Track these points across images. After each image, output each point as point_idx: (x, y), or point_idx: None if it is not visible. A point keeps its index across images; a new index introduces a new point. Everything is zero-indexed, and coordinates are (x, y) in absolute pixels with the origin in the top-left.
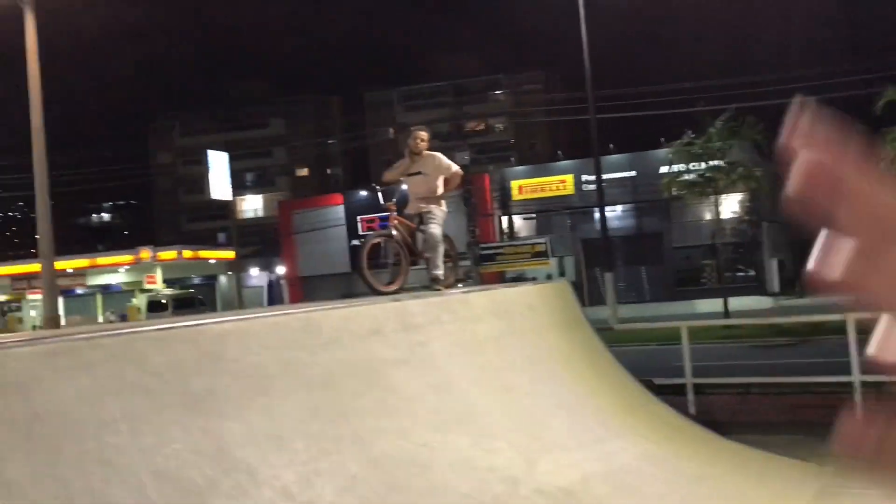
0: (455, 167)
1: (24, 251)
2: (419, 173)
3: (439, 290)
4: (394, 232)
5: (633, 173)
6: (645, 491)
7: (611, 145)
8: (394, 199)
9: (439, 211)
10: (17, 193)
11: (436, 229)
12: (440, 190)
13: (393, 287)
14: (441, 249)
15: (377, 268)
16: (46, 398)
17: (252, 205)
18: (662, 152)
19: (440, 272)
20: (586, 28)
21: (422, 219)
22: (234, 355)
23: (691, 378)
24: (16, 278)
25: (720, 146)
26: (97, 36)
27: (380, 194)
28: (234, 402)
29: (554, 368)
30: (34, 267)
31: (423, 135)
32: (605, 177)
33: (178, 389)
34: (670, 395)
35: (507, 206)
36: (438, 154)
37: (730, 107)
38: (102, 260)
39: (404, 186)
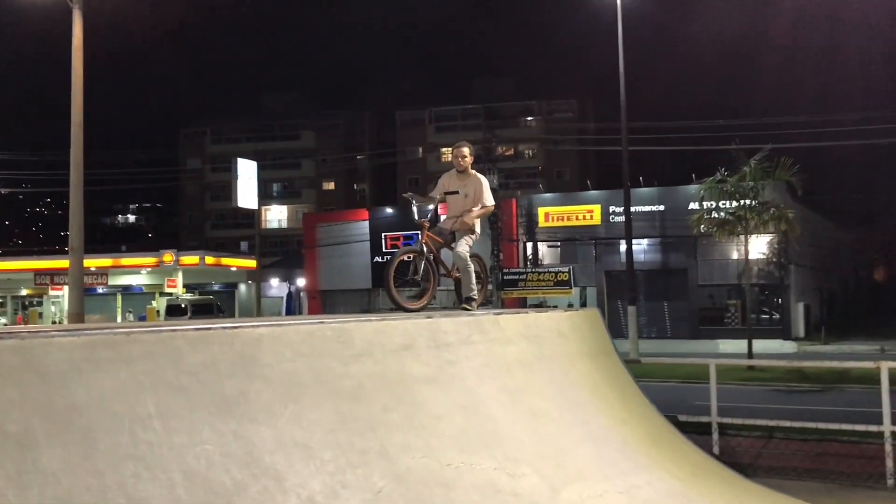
0: (490, 202)
1: (49, 247)
2: (458, 192)
3: (468, 309)
4: (424, 248)
5: (661, 207)
6: None
7: (640, 178)
8: (428, 216)
9: (472, 233)
10: (45, 189)
11: (465, 250)
12: (478, 212)
13: (418, 304)
14: (472, 270)
15: (404, 284)
16: (85, 389)
17: (277, 215)
18: (693, 188)
19: (475, 293)
20: (623, 60)
21: (454, 237)
22: (268, 360)
23: (717, 417)
24: (39, 273)
25: (753, 185)
26: (137, 41)
27: (414, 209)
28: (265, 407)
29: (582, 396)
30: (57, 263)
31: (465, 151)
32: (633, 209)
33: (211, 390)
34: (693, 432)
35: (532, 232)
36: (484, 179)
37: (765, 146)
38: (126, 261)
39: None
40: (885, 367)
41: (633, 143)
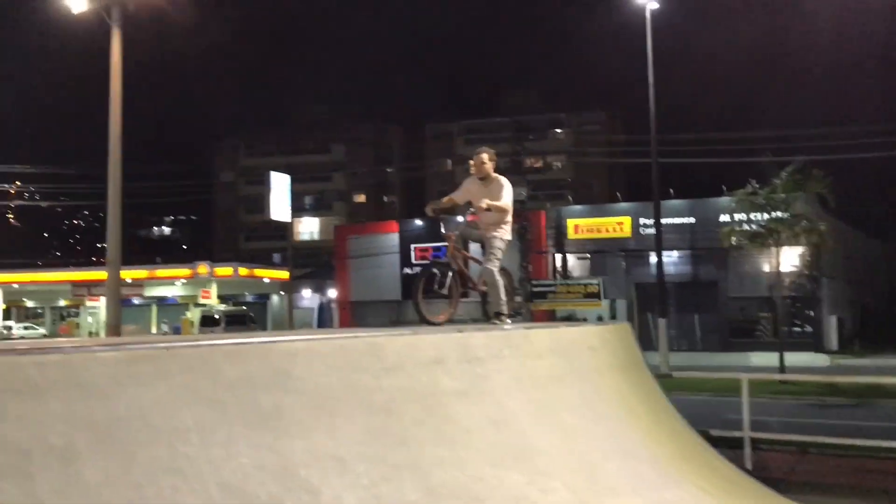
0: (505, 201)
1: (85, 259)
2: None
3: (496, 323)
4: (451, 262)
5: (691, 220)
6: None
7: (670, 190)
8: (456, 231)
9: (501, 242)
10: (82, 203)
11: (494, 265)
12: (507, 217)
13: (442, 318)
14: (501, 285)
15: (429, 297)
16: (126, 403)
17: (309, 227)
18: (723, 200)
19: (504, 308)
20: (653, 72)
21: (483, 248)
22: (302, 374)
23: (749, 432)
24: (76, 284)
25: (784, 198)
26: (171, 57)
27: (441, 222)
28: (299, 420)
29: (612, 411)
30: (95, 275)
31: (484, 157)
32: (663, 221)
33: (247, 404)
34: (725, 447)
35: (561, 244)
36: (505, 182)
37: (797, 158)
38: (161, 272)
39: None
40: None
41: (663, 155)
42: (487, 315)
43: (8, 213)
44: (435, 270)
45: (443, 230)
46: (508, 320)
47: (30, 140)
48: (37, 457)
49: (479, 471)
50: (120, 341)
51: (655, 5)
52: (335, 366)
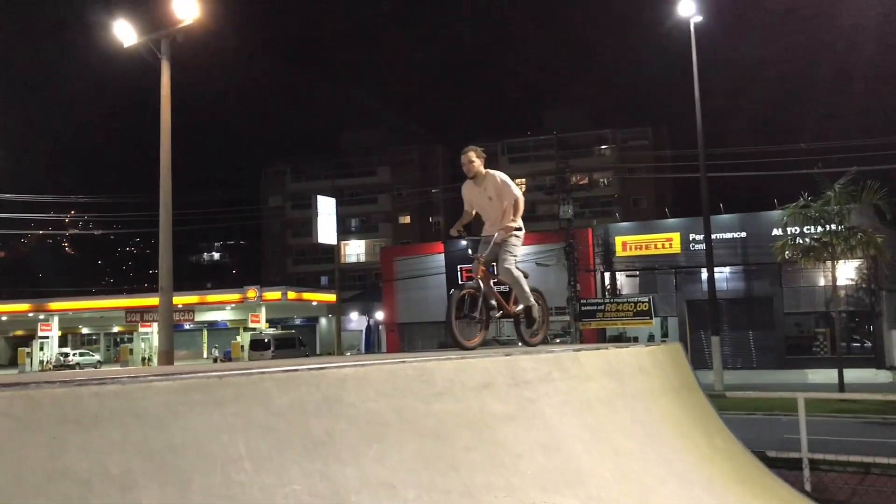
0: (516, 193)
1: (138, 285)
2: (488, 199)
3: (531, 343)
4: (480, 284)
5: (743, 234)
6: None
7: (720, 204)
8: (484, 252)
9: (516, 239)
10: (134, 230)
11: (510, 263)
12: (513, 212)
13: (475, 342)
14: (522, 280)
15: (462, 320)
16: (181, 431)
17: (355, 250)
18: (775, 214)
19: (531, 300)
20: (699, 86)
21: (499, 251)
22: (352, 400)
23: (808, 452)
24: (129, 311)
25: (838, 210)
26: (220, 86)
27: (476, 243)
28: (350, 447)
29: (665, 434)
30: (147, 301)
31: (472, 155)
32: (713, 237)
33: (299, 431)
34: (783, 468)
35: (609, 261)
36: (498, 173)
37: (850, 169)
38: (211, 297)
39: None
40: None
41: (712, 169)
42: (524, 339)
43: (63, 243)
44: (464, 292)
45: (470, 251)
46: (537, 314)
47: (83, 171)
48: (97, 485)
49: (531, 496)
50: (174, 370)
51: (699, 18)
52: (385, 391)
